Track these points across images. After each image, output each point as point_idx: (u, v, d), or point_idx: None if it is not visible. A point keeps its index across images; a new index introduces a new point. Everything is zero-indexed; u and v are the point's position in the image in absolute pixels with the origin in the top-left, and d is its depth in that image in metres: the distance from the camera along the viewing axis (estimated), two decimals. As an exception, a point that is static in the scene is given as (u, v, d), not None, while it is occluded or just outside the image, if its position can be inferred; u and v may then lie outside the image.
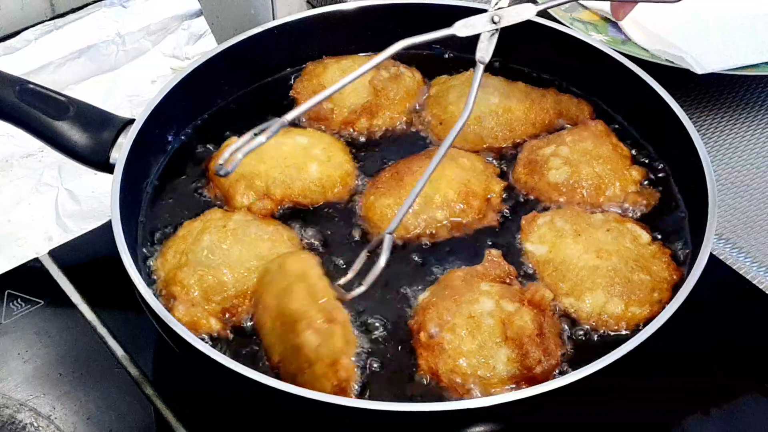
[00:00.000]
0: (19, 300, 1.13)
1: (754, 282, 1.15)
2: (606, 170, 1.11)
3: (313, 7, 1.31)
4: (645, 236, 1.05)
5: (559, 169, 1.11)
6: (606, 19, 1.46)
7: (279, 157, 1.13)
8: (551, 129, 1.20)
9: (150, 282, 1.03)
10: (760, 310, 1.13)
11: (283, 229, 1.08)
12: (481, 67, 0.98)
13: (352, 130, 1.22)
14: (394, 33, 1.28)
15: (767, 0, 1.46)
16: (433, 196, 1.09)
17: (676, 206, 1.12)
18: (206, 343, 0.95)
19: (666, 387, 1.03)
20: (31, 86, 1.11)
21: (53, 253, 1.18)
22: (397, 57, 1.23)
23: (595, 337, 0.99)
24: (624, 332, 0.98)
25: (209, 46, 1.51)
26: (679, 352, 1.02)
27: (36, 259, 1.17)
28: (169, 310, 0.98)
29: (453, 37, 0.99)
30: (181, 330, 0.92)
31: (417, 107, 1.25)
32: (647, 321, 0.97)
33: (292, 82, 1.29)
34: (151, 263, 1.06)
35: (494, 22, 0.97)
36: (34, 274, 1.16)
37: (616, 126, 1.21)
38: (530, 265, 1.05)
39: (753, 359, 1.08)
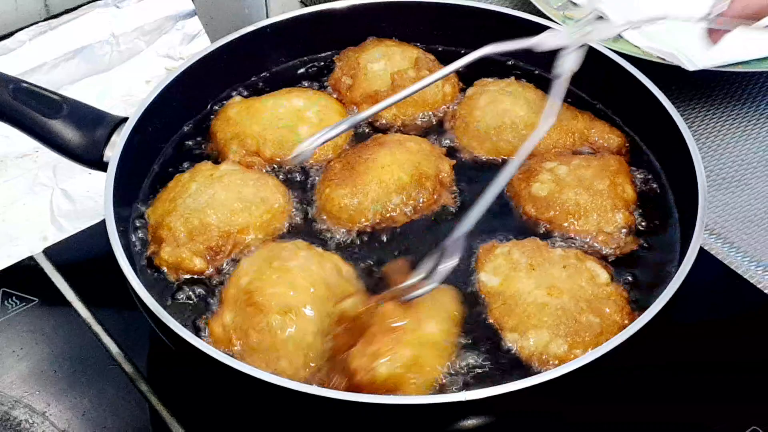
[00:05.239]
0: (13, 298, 1.13)
1: (745, 277, 1.16)
2: (588, 202, 1.08)
3: (306, 5, 1.32)
4: (603, 276, 1.02)
5: (545, 183, 1.10)
6: (598, 18, 1.46)
7: (273, 119, 1.18)
8: (576, 152, 1.18)
9: (142, 273, 1.04)
10: (751, 304, 1.14)
11: (268, 176, 1.13)
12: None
13: (355, 108, 1.24)
14: (387, 32, 1.32)
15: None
16: (387, 181, 1.10)
17: (667, 203, 1.12)
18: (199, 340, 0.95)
19: (655, 380, 1.04)
20: (25, 85, 1.12)
21: (48, 252, 1.18)
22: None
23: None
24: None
25: (203, 46, 1.51)
26: (669, 344, 1.02)
27: (31, 258, 1.17)
28: (155, 256, 1.05)
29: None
30: (175, 326, 0.92)
31: (453, 106, 1.25)
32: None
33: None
34: (145, 256, 1.07)
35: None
36: (28, 273, 1.16)
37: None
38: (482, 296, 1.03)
39: (742, 353, 1.08)
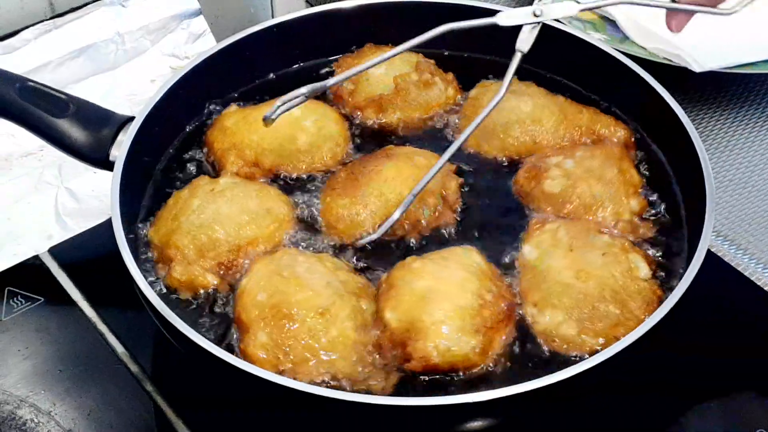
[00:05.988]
0: (19, 297, 1.13)
1: (752, 279, 1.16)
2: (602, 191, 1.08)
3: (312, 5, 1.31)
4: (644, 271, 1.01)
5: (556, 179, 1.10)
6: (604, 18, 1.46)
7: (270, 128, 1.14)
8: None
9: (148, 272, 1.04)
10: (758, 306, 1.14)
11: (269, 186, 1.12)
12: (518, 56, 1.04)
13: (359, 113, 1.23)
14: (393, 31, 1.31)
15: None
16: (388, 195, 1.09)
17: (674, 204, 1.12)
18: (207, 338, 0.95)
19: (663, 383, 1.04)
20: (32, 84, 1.12)
21: (53, 251, 1.18)
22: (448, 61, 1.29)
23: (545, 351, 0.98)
24: (571, 355, 0.97)
25: (208, 46, 1.52)
26: (676, 347, 1.02)
27: (36, 257, 1.17)
28: (164, 275, 1.03)
29: (495, 26, 1.04)
30: (180, 325, 0.92)
31: (456, 107, 1.24)
32: (595, 353, 0.95)
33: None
34: (151, 257, 1.07)
35: (536, 15, 1.03)
36: (34, 272, 1.16)
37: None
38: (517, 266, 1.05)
39: (750, 355, 1.08)
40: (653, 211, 1.11)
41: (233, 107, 1.22)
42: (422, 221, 1.09)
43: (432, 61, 1.28)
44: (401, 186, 1.09)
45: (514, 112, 1.18)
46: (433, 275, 0.99)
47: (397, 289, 0.98)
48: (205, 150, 1.19)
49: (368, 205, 1.08)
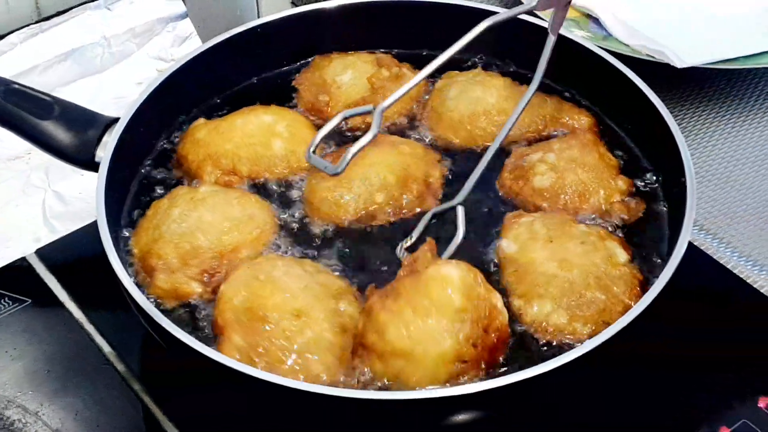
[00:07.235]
0: (6, 299, 1.13)
1: (734, 272, 1.16)
2: (591, 178, 1.11)
3: (296, 6, 1.32)
4: (622, 257, 1.03)
5: (544, 174, 1.11)
6: (587, 16, 1.47)
7: (244, 136, 1.16)
8: (548, 136, 1.20)
9: (131, 270, 1.04)
10: (740, 300, 1.14)
11: (249, 194, 1.12)
12: (552, 38, 1.08)
13: (344, 124, 1.22)
14: (377, 31, 1.32)
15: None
16: (372, 179, 1.10)
17: (655, 198, 1.13)
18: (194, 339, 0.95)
19: (645, 377, 1.04)
20: (17, 86, 1.12)
21: (40, 253, 1.18)
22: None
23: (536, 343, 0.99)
24: (565, 342, 0.98)
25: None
26: (658, 342, 1.03)
27: (23, 259, 1.18)
28: (148, 285, 1.02)
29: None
30: (168, 325, 0.92)
31: (423, 98, 1.25)
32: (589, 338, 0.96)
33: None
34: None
35: None
36: (21, 274, 1.16)
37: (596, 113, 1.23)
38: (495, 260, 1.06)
39: (732, 349, 1.08)
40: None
41: (201, 120, 1.20)
42: (404, 208, 1.11)
43: (390, 56, 1.28)
44: (385, 171, 1.11)
45: (480, 104, 1.20)
46: (409, 327, 0.91)
47: (378, 335, 0.92)
48: (178, 165, 1.17)
49: (352, 188, 1.09)
